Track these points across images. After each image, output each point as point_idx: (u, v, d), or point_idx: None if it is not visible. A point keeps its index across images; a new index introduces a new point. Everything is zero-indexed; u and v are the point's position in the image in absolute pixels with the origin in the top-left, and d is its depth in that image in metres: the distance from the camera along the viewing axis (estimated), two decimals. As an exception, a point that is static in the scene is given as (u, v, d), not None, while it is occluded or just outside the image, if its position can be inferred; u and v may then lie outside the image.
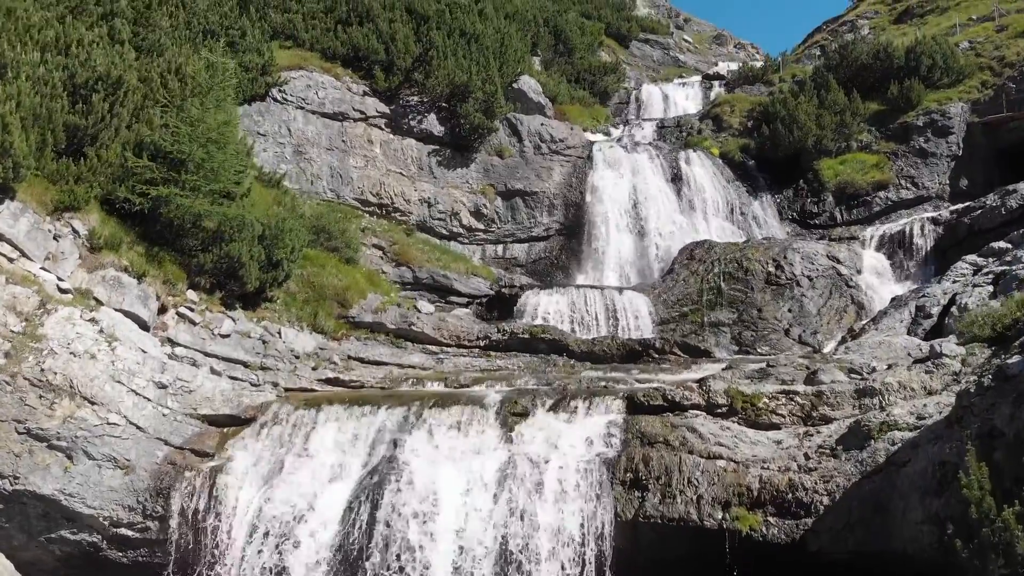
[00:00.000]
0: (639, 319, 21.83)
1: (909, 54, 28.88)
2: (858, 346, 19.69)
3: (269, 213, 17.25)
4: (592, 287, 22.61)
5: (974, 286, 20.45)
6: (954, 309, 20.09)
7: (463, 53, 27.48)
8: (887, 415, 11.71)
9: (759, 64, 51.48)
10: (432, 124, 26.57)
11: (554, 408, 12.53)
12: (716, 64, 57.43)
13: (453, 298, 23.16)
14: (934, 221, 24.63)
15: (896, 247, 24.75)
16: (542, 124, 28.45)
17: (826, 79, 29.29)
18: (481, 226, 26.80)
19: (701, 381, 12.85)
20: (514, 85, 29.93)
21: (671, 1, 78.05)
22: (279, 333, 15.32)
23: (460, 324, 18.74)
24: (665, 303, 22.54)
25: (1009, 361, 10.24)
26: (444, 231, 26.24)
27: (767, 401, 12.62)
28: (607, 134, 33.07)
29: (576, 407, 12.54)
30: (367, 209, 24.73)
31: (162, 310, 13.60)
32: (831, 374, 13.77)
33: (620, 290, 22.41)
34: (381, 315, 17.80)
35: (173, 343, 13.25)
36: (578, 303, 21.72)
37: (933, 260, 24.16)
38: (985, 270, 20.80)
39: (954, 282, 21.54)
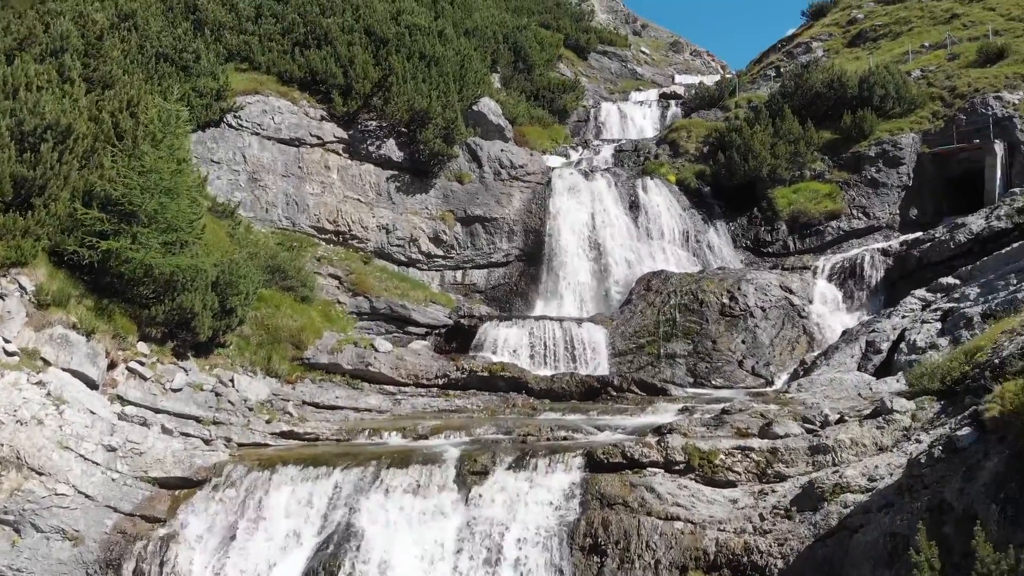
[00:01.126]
0: (597, 351, 21.97)
1: (862, 84, 29.48)
2: (810, 383, 20.08)
3: (223, 251, 16.95)
4: (551, 319, 22.68)
5: (923, 322, 20.98)
6: (903, 345, 20.60)
7: (423, 77, 27.32)
8: (840, 476, 11.91)
9: (715, 79, 52.32)
10: (391, 149, 26.37)
11: (514, 466, 12.49)
12: (673, 77, 58.17)
13: (411, 328, 23.04)
14: (884, 252, 25.18)
15: (847, 277, 25.25)
16: (502, 150, 28.42)
17: (781, 107, 29.76)
18: (440, 252, 26.68)
19: (660, 438, 12.92)
20: (474, 107, 29.87)
21: (629, 6, 78.72)
22: (232, 382, 15.04)
23: (418, 362, 18.61)
24: (623, 335, 22.70)
25: (959, 433, 10.48)
26: (403, 257, 26.07)
27: (723, 458, 12.74)
28: (566, 156, 33.20)
29: (536, 464, 12.52)
30: (323, 237, 24.45)
31: (112, 366, 13.26)
32: (785, 426, 13.95)
33: (579, 322, 22.51)
34: (337, 356, 17.59)
35: (123, 401, 12.92)
36: (537, 335, 21.77)
37: (883, 291, 24.71)
38: (934, 306, 21.34)
39: (903, 317, 22.05)
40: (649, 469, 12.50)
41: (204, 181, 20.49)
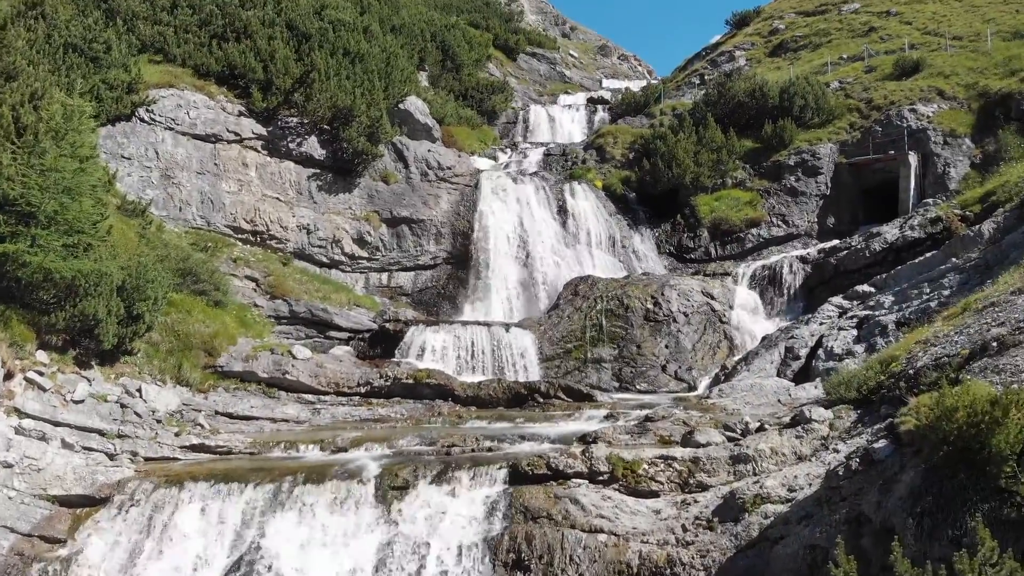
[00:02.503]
0: (525, 357, 21.82)
1: (783, 94, 30.15)
2: (731, 389, 20.37)
3: (131, 253, 16.09)
4: (479, 323, 22.41)
5: (839, 329, 21.51)
6: (821, 352, 21.06)
7: (347, 74, 26.69)
8: (760, 487, 11.98)
9: (642, 83, 53.01)
10: (313, 147, 25.65)
11: (437, 479, 12.17)
12: (600, 82, 58.77)
13: (333, 333, 22.44)
14: (803, 260, 25.77)
15: (767, 284, 25.76)
16: (429, 150, 28.00)
17: (704, 116, 30.20)
18: (365, 254, 26.10)
19: (584, 448, 12.80)
20: (400, 106, 29.36)
21: (558, 8, 79.25)
22: (139, 392, 14.26)
23: (339, 369, 18.08)
24: (550, 340, 22.61)
25: (876, 446, 10.65)
26: (324, 259, 25.39)
27: (647, 467, 12.70)
28: (494, 159, 32.99)
29: (460, 478, 12.23)
30: (240, 237, 23.60)
31: (8, 376, 12.36)
32: (707, 434, 14.02)
33: (507, 327, 22.30)
34: (252, 363, 16.93)
35: (20, 413, 12.07)
36: (464, 340, 21.49)
37: (801, 297, 25.30)
38: (850, 313, 21.90)
39: (821, 324, 22.58)
40: (574, 480, 12.36)
41: (113, 178, 19.53)
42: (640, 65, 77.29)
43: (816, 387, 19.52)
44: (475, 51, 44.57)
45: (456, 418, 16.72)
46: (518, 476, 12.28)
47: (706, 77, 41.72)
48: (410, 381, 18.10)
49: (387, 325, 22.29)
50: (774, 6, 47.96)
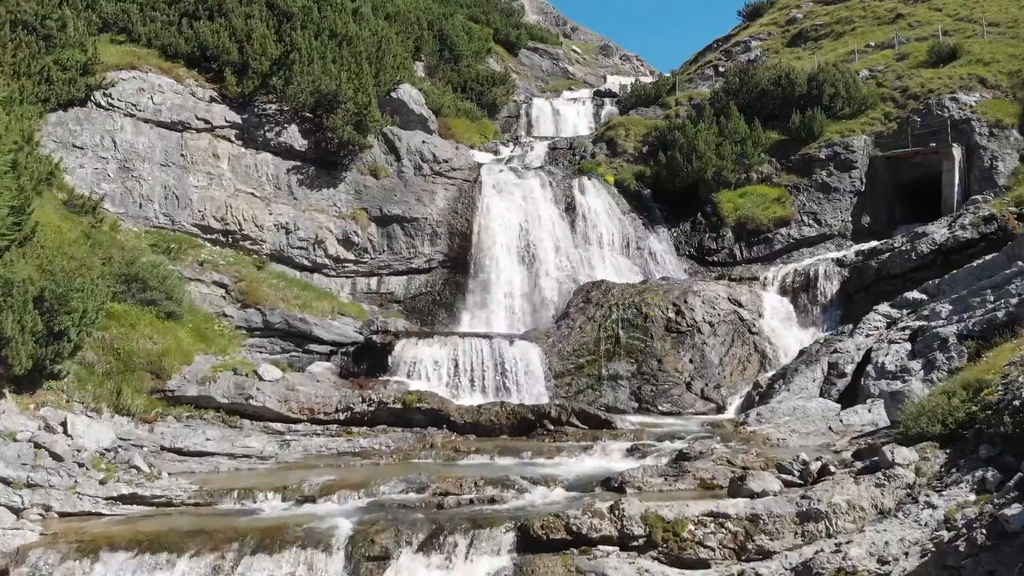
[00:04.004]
0: (532, 373, 19.20)
1: (811, 82, 27.54)
2: (771, 413, 17.70)
3: (69, 257, 13.41)
4: (478, 335, 19.74)
5: (890, 342, 18.84)
6: (870, 368, 18.41)
7: (333, 57, 24.03)
8: (843, 557, 9.29)
9: (648, 80, 50.45)
10: (293, 137, 22.95)
11: (425, 546, 9.52)
12: (605, 78, 56.33)
13: (313, 346, 19.75)
14: (839, 263, 23.14)
15: (800, 290, 23.13)
16: (424, 141, 25.33)
17: (726, 105, 27.56)
18: (351, 256, 23.41)
19: (613, 504, 10.11)
20: (393, 94, 26.71)
21: (559, 8, 77.25)
22: (64, 426, 11.60)
23: (315, 392, 15.39)
24: (560, 354, 19.96)
25: (1009, 513, 7.98)
26: (306, 262, 22.70)
27: (693, 529, 10.03)
28: (496, 153, 30.36)
29: (454, 544, 9.57)
30: (209, 237, 20.91)
31: None
32: (760, 480, 11.38)
33: (511, 340, 19.63)
34: (210, 386, 14.24)
35: None
36: (462, 355, 18.83)
37: (839, 304, 22.66)
38: (900, 324, 19.23)
39: (867, 336, 19.91)
40: (600, 548, 9.69)
41: (56, 169, 16.85)
42: (643, 65, 75.32)
43: (870, 410, 16.92)
44: (475, 43, 41.95)
45: (452, 451, 14.05)
46: (529, 541, 9.62)
47: (720, 68, 39.21)
48: (398, 406, 15.41)
49: (374, 337, 19.61)
50: (789, -5, 45.43)
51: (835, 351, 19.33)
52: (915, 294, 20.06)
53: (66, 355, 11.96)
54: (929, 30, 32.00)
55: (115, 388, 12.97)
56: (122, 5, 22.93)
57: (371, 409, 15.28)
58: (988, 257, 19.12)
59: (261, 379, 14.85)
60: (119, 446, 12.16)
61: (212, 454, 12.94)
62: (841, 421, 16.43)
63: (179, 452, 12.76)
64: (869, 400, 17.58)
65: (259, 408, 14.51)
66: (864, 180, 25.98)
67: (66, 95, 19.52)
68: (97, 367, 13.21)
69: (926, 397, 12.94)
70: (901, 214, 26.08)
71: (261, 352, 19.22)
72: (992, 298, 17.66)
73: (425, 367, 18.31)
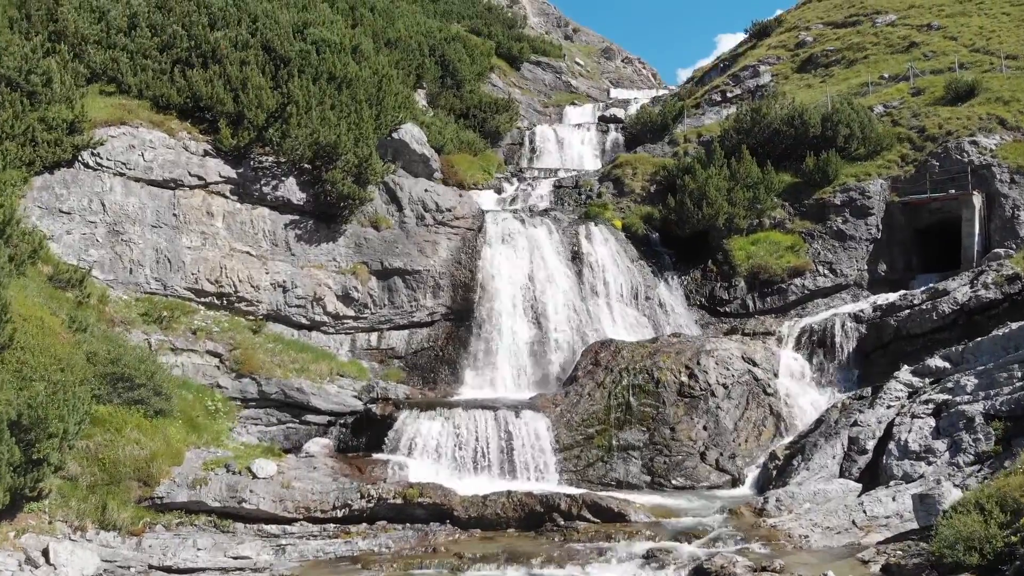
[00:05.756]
0: (540, 448, 18.41)
1: (825, 122, 26.71)
2: (791, 498, 16.87)
3: (47, 356, 12.62)
4: (483, 407, 18.93)
5: (913, 416, 18.04)
6: (892, 446, 17.61)
7: (331, 103, 23.22)
8: None
9: (652, 94, 49.64)
10: (291, 190, 22.14)
11: None
12: (608, 91, 55.57)
13: (310, 417, 19.04)
14: (856, 318, 22.33)
15: (816, 346, 22.34)
16: (426, 190, 24.52)
17: (737, 146, 26.73)
18: (351, 312, 22.63)
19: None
20: (394, 135, 25.91)
21: (560, 9, 76.48)
22: (46, 555, 10.82)
23: (311, 488, 14.59)
24: (568, 424, 19.17)
25: None
26: (304, 320, 21.91)
27: None
28: (499, 191, 29.57)
29: None
30: (203, 301, 20.11)
31: None
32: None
33: (516, 410, 18.83)
34: (201, 489, 13.45)
35: None
36: (466, 430, 18.04)
37: (856, 362, 21.90)
38: (924, 396, 18.43)
39: (888, 407, 19.09)
40: None
41: (41, 244, 16.07)
42: (645, 68, 74.93)
43: (894, 498, 16.12)
44: (477, 63, 41.13)
45: (455, 559, 13.26)
46: None
47: (728, 94, 38.37)
48: (398, 501, 14.61)
49: (373, 408, 18.84)
50: (796, 15, 44.55)
51: (855, 424, 18.54)
52: (938, 361, 19.27)
53: (44, 478, 11.18)
54: (945, 61, 31.15)
55: (100, 503, 12.18)
56: (111, 53, 22.08)
57: (370, 506, 14.48)
58: (1015, 326, 18.36)
59: (255, 476, 14.05)
60: (104, 569, 11.39)
61: (202, 570, 12.16)
62: (864, 512, 15.65)
63: (167, 571, 11.98)
64: (892, 483, 16.80)
65: (253, 510, 13.72)
66: (880, 227, 25.16)
67: (52, 157, 18.74)
68: (81, 479, 12.43)
69: (958, 502, 12.16)
70: (920, 262, 25.29)
71: (257, 424, 18.50)
72: (1020, 374, 16.92)
73: (427, 444, 17.55)
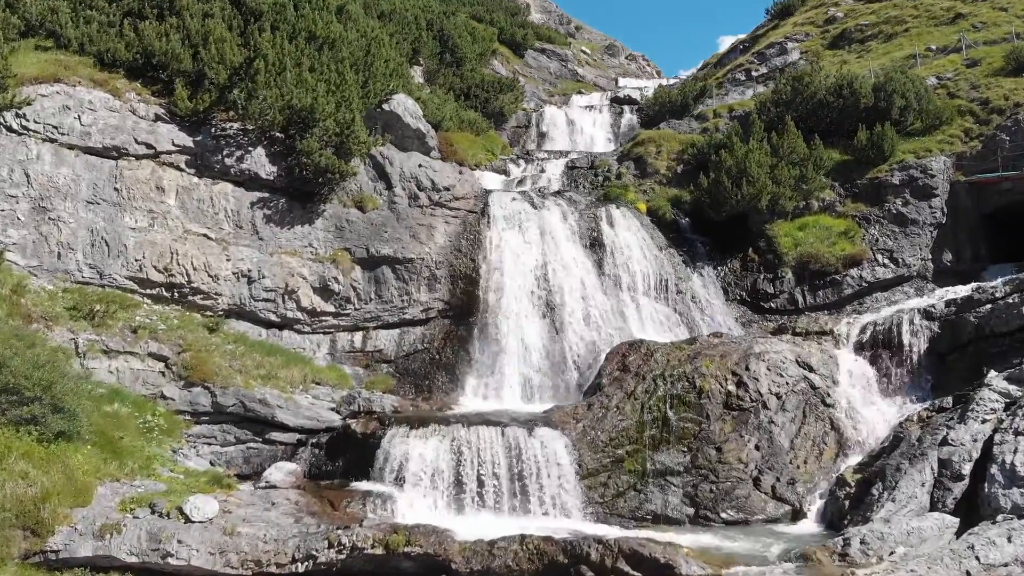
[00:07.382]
0: (558, 473, 14.93)
1: (878, 92, 23.28)
2: (879, 539, 13.29)
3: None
4: (488, 422, 15.43)
5: (1017, 433, 14.62)
6: (994, 469, 14.17)
7: (311, 64, 19.79)
8: None
9: (658, 83, 46.23)
10: (259, 163, 18.66)
11: None
12: (616, 81, 52.48)
13: (275, 435, 15.56)
14: (927, 315, 18.85)
15: (880, 348, 18.83)
16: (420, 165, 21.05)
17: (780, 118, 23.28)
18: (331, 308, 19.16)
19: None
20: (384, 106, 22.47)
21: (563, 7, 74.08)
22: None
23: (264, 534, 11.07)
24: (592, 444, 15.69)
25: None
26: (273, 317, 18.44)
27: None
28: (505, 173, 26.15)
29: None
30: (149, 293, 16.63)
31: None
32: None
33: (529, 427, 15.34)
34: (111, 540, 9.98)
35: None
36: (467, 452, 14.55)
37: (928, 367, 18.41)
38: (1026, 407, 15.06)
39: (983, 421, 15.58)
40: None
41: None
42: (648, 65, 72.14)
43: (1010, 539, 12.70)
44: (479, 44, 37.70)
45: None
46: None
47: (753, 72, 35.03)
48: (378, 551, 11.08)
49: (354, 424, 15.38)
50: (822, -8, 41.20)
51: (946, 442, 15.11)
52: (1037, 365, 15.86)
53: None
54: (997, 32, 27.81)
55: (-41, 564, 8.83)
56: (50, 3, 18.67)
57: (341, 557, 10.96)
58: None
59: (188, 520, 10.57)
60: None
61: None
62: (978, 559, 12.18)
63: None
64: (1001, 517, 13.41)
65: (182, 567, 10.25)
66: (945, 210, 21.73)
67: (-35, 116, 15.32)
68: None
69: None
70: (986, 250, 21.87)
71: (210, 444, 15.03)
72: None
73: (419, 470, 14.06)
